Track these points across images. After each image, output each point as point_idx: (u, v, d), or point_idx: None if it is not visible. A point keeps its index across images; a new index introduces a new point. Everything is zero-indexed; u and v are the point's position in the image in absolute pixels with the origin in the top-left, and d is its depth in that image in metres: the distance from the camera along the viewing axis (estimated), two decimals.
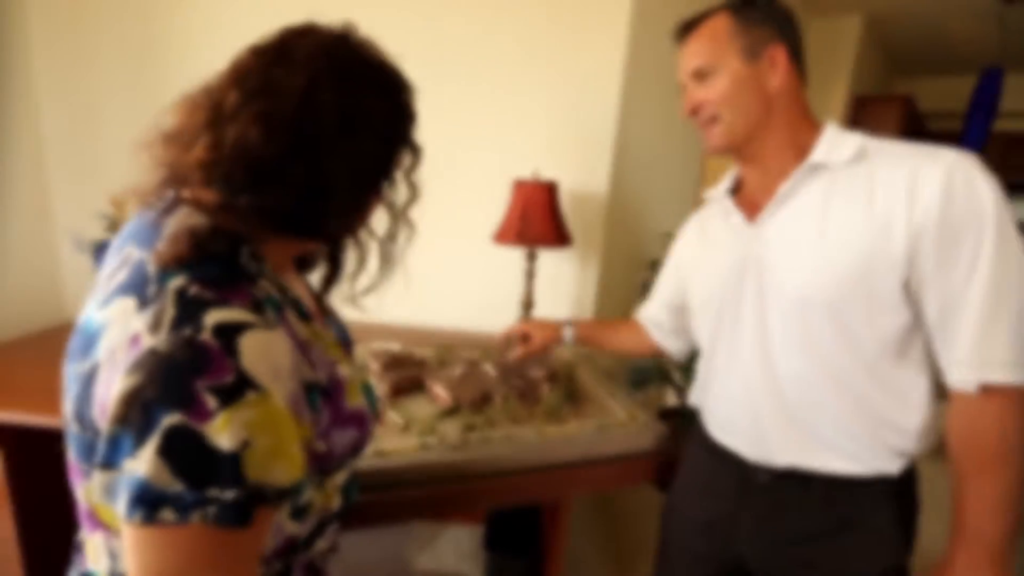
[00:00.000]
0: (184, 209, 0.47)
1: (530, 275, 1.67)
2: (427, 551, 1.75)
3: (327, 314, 0.67)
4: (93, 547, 0.50)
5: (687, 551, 0.88)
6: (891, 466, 0.71)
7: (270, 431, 0.41)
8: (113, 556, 0.48)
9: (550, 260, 1.83)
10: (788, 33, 0.75)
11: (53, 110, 1.66)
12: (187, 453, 0.39)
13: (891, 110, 3.21)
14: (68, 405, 0.48)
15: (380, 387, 1.14)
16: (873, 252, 0.66)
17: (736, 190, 0.86)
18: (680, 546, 0.90)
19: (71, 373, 0.48)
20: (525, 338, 1.17)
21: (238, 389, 0.40)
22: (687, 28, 0.81)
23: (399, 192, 0.59)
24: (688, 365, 2.08)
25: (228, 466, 0.39)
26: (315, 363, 0.49)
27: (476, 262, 1.87)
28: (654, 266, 2.13)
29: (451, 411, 1.08)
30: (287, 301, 0.50)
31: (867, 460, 0.71)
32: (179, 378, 0.39)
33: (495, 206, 1.76)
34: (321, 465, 0.51)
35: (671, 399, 2.67)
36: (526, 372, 1.23)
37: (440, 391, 1.11)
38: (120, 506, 0.39)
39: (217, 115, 0.46)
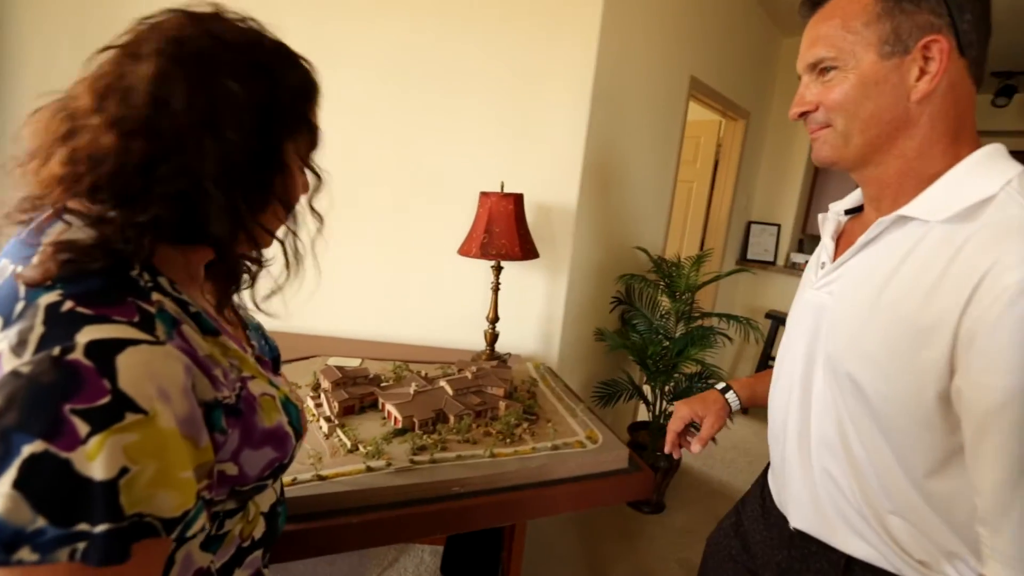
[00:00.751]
0: (60, 223, 0.43)
1: (496, 288, 1.64)
2: (387, 573, 1.69)
3: (246, 327, 0.63)
4: None
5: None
6: (915, 571, 0.59)
7: (154, 456, 0.38)
8: None
9: (517, 273, 1.81)
10: (964, 13, 0.54)
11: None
12: (50, 484, 0.35)
13: None
14: None
15: (330, 406, 1.09)
16: (914, 347, 0.53)
17: (853, 213, 0.71)
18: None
19: None
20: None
21: (115, 411, 0.36)
22: (813, 3, 0.61)
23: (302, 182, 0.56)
24: (658, 379, 2.06)
25: (101, 497, 0.36)
26: (218, 381, 0.46)
27: (442, 275, 1.84)
28: (624, 279, 2.12)
29: (402, 431, 1.04)
30: (186, 315, 0.46)
31: (886, 556, 0.61)
32: (43, 402, 0.36)
33: (463, 219, 1.73)
34: (235, 488, 0.48)
35: (643, 414, 2.65)
36: (483, 389, 1.20)
37: (392, 410, 1.07)
38: None
39: (70, 126, 0.42)
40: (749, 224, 3.47)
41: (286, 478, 0.85)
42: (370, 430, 1.04)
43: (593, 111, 1.74)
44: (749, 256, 3.44)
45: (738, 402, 0.91)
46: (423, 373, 1.29)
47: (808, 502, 0.67)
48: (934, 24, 0.53)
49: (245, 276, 0.57)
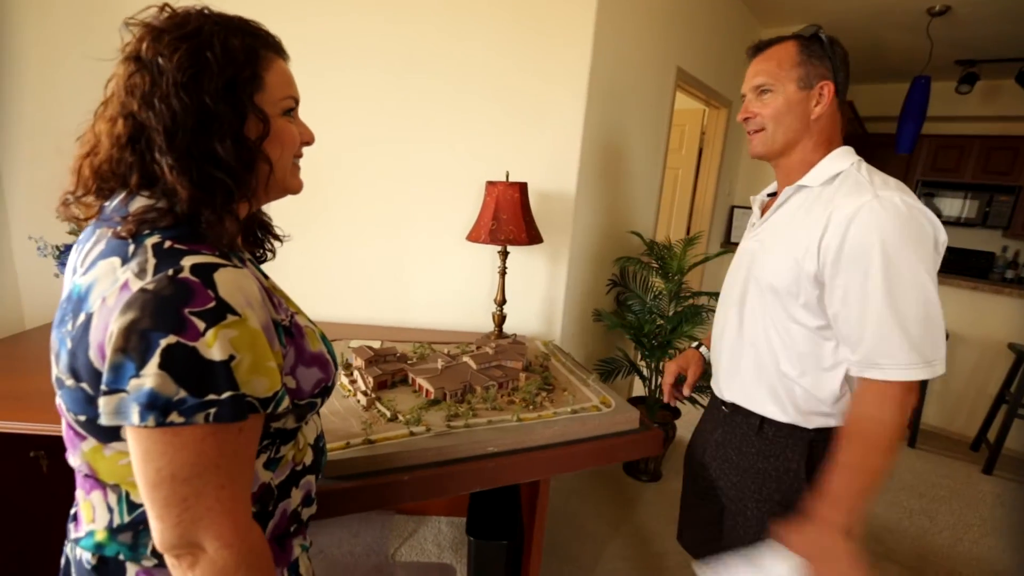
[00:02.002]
0: (139, 198, 0.55)
1: (503, 272, 1.73)
2: (409, 543, 1.79)
3: None
4: (89, 508, 0.57)
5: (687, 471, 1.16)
6: (805, 422, 0.91)
7: (249, 348, 0.50)
8: (111, 510, 0.55)
9: (522, 257, 1.91)
10: (840, 72, 0.89)
11: (6, 119, 1.62)
12: (186, 365, 0.47)
13: None
14: (58, 367, 0.54)
15: (365, 381, 1.18)
16: (799, 264, 0.86)
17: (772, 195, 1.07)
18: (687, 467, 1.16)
19: (58, 337, 0.54)
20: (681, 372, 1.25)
21: (220, 313, 0.48)
22: (759, 48, 0.94)
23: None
24: (654, 355, 2.19)
25: (222, 373, 0.48)
26: (279, 306, 0.58)
27: (450, 261, 1.92)
28: (620, 262, 2.24)
29: (435, 402, 1.14)
30: (245, 260, 0.60)
31: (789, 413, 0.92)
32: (169, 308, 0.47)
33: (470, 207, 1.81)
34: (294, 401, 0.59)
35: (639, 389, 2.79)
36: (503, 363, 1.30)
37: (424, 383, 1.16)
38: (132, 417, 0.47)
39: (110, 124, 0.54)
40: (732, 208, 3.61)
41: (339, 442, 0.95)
42: (405, 402, 1.14)
43: (589, 103, 1.84)
44: (733, 239, 3.58)
45: (708, 353, 1.22)
46: (446, 351, 1.38)
47: (738, 381, 0.99)
48: (826, 75, 0.89)
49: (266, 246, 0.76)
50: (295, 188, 0.68)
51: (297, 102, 0.65)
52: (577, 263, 2.01)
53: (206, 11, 0.57)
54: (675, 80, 2.46)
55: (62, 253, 1.65)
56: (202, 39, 0.54)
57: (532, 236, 1.68)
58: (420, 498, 0.94)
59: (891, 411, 0.80)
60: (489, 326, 1.84)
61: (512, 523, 1.44)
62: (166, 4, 0.57)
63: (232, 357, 0.48)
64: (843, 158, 0.89)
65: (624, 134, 2.17)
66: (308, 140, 0.68)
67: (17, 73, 1.62)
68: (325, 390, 0.64)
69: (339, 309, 1.97)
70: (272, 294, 0.58)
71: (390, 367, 1.22)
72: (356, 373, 1.22)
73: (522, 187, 1.67)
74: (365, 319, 1.97)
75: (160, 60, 0.53)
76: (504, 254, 1.72)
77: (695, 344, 1.26)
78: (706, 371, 1.19)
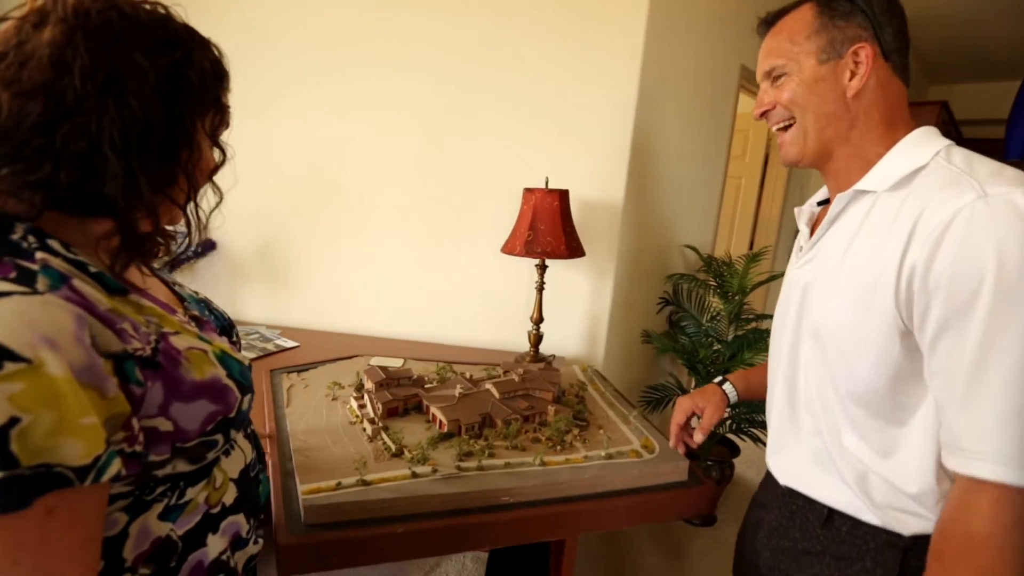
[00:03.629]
0: None
1: (540, 288, 1.58)
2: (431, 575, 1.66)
3: (182, 299, 0.64)
4: None
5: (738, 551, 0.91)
6: (897, 524, 0.65)
7: (48, 405, 0.38)
8: None
9: (562, 272, 1.75)
10: (884, 28, 0.66)
11: None
12: None
13: (924, 117, 3.06)
14: None
15: (374, 408, 1.06)
16: (867, 304, 0.62)
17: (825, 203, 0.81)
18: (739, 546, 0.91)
19: None
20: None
21: None
22: (767, 23, 0.74)
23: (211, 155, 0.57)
24: (707, 375, 1.95)
25: None
26: (126, 334, 0.45)
27: (484, 274, 1.80)
28: (673, 279, 2.03)
29: (448, 435, 1.00)
30: (83, 274, 0.46)
31: (868, 508, 0.67)
32: None
33: (506, 217, 1.68)
34: (176, 444, 0.48)
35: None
36: (531, 392, 1.14)
37: (438, 413, 1.03)
38: None
39: None
40: None
41: (329, 481, 0.82)
42: (415, 433, 1.00)
43: (640, 104, 1.67)
44: None
45: (735, 392, 0.99)
46: (468, 375, 1.25)
47: (795, 461, 0.75)
48: (861, 36, 0.66)
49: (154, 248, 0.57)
50: (171, 218, 0.55)
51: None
52: (624, 279, 1.83)
53: (176, 16, 0.51)
54: (738, 80, 2.24)
55: None
56: (185, 50, 0.49)
57: (572, 248, 1.52)
58: (416, 555, 0.80)
59: (986, 525, 0.54)
60: (525, 345, 1.69)
61: (539, 567, 1.27)
62: None
63: (14, 420, 0.36)
64: (921, 146, 0.64)
65: (679, 139, 1.97)
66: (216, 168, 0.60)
67: None
68: (226, 423, 0.51)
69: (367, 322, 1.89)
70: (117, 319, 0.45)
71: (403, 392, 1.09)
72: (366, 397, 1.10)
73: (562, 195, 1.51)
74: (393, 333, 1.87)
75: (137, 56, 0.46)
76: (542, 268, 1.57)
77: (717, 380, 1.00)
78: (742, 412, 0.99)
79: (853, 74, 0.66)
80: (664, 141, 1.87)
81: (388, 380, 1.10)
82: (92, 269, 0.47)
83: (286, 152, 1.83)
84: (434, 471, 0.88)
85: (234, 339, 0.70)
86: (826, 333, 0.68)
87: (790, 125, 0.71)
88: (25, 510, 0.37)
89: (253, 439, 0.66)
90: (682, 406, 0.99)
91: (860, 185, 0.66)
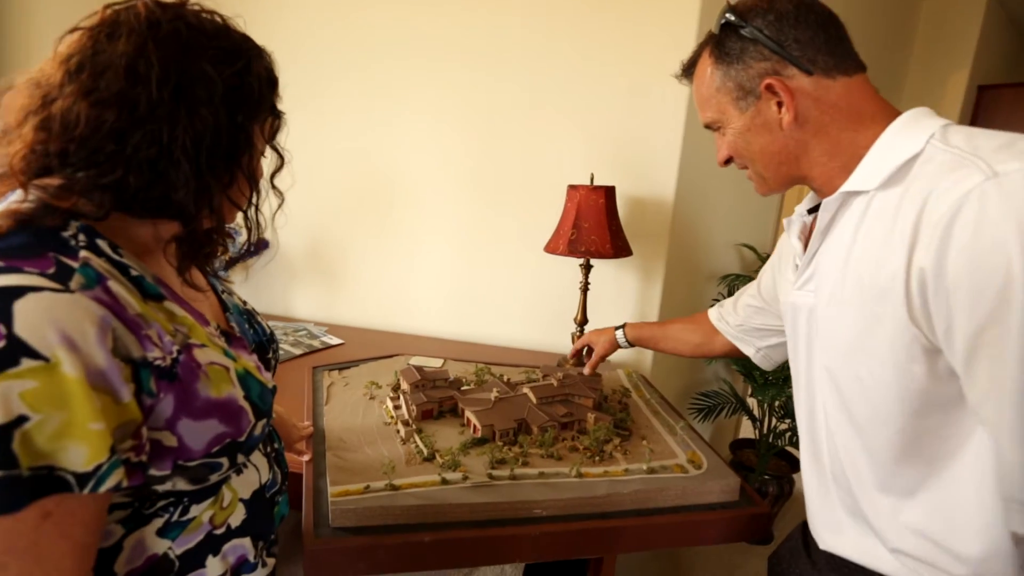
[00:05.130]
0: (18, 194, 0.45)
1: (585, 288, 1.52)
2: None
3: (226, 308, 0.64)
4: None
5: None
6: None
7: (58, 406, 0.37)
8: None
9: (608, 272, 1.68)
10: (787, 43, 0.58)
11: None
12: None
13: (1022, 100, 2.75)
14: None
15: (408, 409, 1.04)
16: (878, 318, 0.53)
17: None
18: None
19: None
20: (587, 351, 1.21)
21: (9, 356, 0.36)
22: (686, 72, 0.70)
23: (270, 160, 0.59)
24: (767, 392, 1.83)
25: None
26: (149, 341, 0.44)
27: (528, 273, 1.75)
28: (727, 280, 1.91)
29: (482, 440, 0.97)
30: (123, 276, 0.46)
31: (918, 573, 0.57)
32: None
33: (551, 214, 1.63)
34: (178, 462, 0.46)
35: (747, 429, 2.39)
36: (571, 398, 1.09)
37: (472, 417, 1.00)
38: None
39: (43, 98, 0.44)
40: None
41: (358, 484, 0.81)
42: (448, 437, 0.98)
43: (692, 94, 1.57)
44: None
45: (624, 339, 1.16)
46: (505, 378, 1.21)
47: (829, 520, 0.65)
48: (765, 68, 0.59)
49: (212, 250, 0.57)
50: (230, 218, 0.57)
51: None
52: (674, 280, 1.74)
53: (234, 25, 0.52)
54: None
55: None
56: (246, 58, 0.51)
57: (618, 248, 1.45)
58: (444, 565, 0.77)
59: None
60: (568, 347, 1.63)
61: None
62: (176, 3, 0.49)
63: (22, 419, 0.36)
64: (909, 132, 0.55)
65: None
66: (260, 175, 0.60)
67: None
68: (234, 446, 0.49)
69: (410, 320, 1.89)
70: (144, 325, 0.44)
71: (438, 394, 1.07)
72: (402, 398, 1.09)
73: (608, 191, 1.45)
74: (435, 332, 1.86)
75: (205, 65, 0.47)
76: (586, 268, 1.51)
77: (618, 326, 1.16)
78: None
79: (781, 106, 0.59)
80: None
81: (424, 381, 1.09)
82: (134, 272, 0.47)
83: (334, 152, 1.86)
84: (464, 478, 0.85)
85: (270, 356, 0.69)
86: (839, 364, 0.58)
87: (746, 168, 0.68)
88: (20, 512, 0.36)
89: (277, 460, 0.64)
90: (583, 338, 1.24)
91: (848, 186, 0.58)
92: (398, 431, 1.00)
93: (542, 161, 1.69)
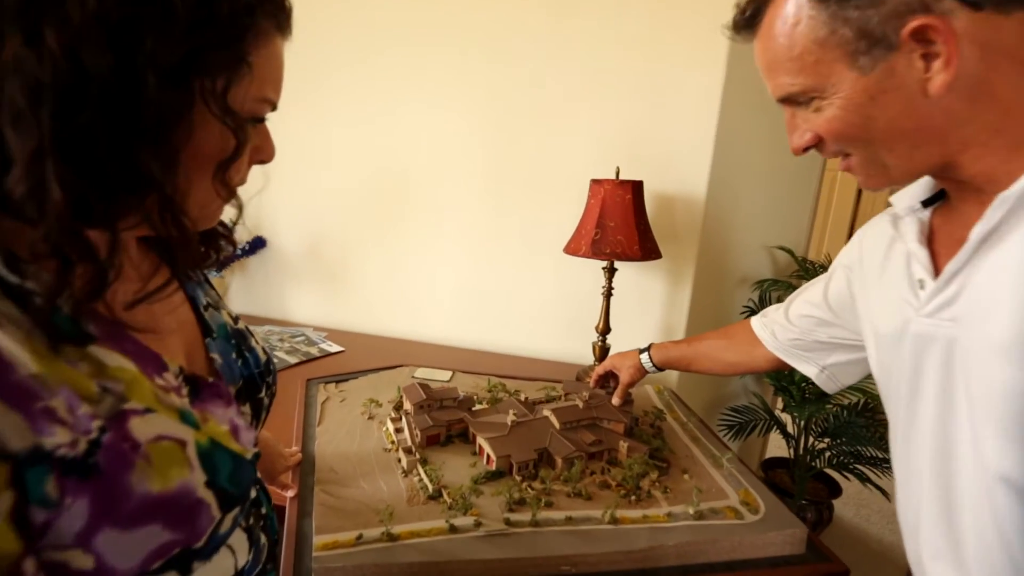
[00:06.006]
0: None
1: (608, 294, 1.38)
2: None
3: (209, 333, 0.48)
4: None
5: None
6: None
7: None
8: None
9: (633, 276, 1.53)
10: None
11: None
12: None
13: None
14: None
15: (412, 434, 0.91)
16: None
17: (935, 201, 0.53)
18: None
19: None
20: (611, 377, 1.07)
21: None
22: (746, 20, 0.50)
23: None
24: (804, 409, 1.67)
25: None
26: (50, 417, 0.29)
27: (545, 278, 1.61)
28: (764, 286, 1.76)
29: (497, 474, 0.83)
30: (12, 310, 0.30)
31: None
32: None
33: (571, 213, 1.49)
34: None
35: (775, 446, 2.23)
36: (599, 422, 0.95)
37: (485, 446, 0.86)
38: None
39: None
40: None
41: (349, 534, 0.67)
42: (457, 469, 0.84)
43: (728, 82, 1.42)
44: None
45: (651, 364, 1.01)
46: (523, 396, 1.07)
47: (957, 570, 0.49)
48: (910, 1, 0.40)
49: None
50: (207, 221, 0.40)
51: (274, 107, 0.40)
52: (704, 286, 1.59)
53: None
54: None
55: None
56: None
57: (647, 250, 1.31)
58: None
59: None
60: (588, 357, 1.49)
61: None
62: None
63: None
64: None
65: (772, 124, 1.69)
66: (266, 158, 0.43)
67: None
68: (186, 556, 0.34)
69: (416, 327, 1.76)
70: (42, 391, 0.29)
71: (446, 416, 0.93)
72: (404, 420, 0.95)
73: (635, 187, 1.31)
74: (443, 339, 1.72)
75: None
76: (610, 271, 1.37)
77: (642, 348, 1.02)
78: None
79: (929, 58, 0.41)
80: (757, 126, 1.61)
81: (430, 401, 0.95)
82: (38, 300, 0.31)
83: (337, 146, 1.73)
84: (477, 524, 0.71)
85: (262, 395, 0.52)
86: (1007, 403, 0.43)
87: (850, 156, 0.49)
88: None
89: (266, 527, 0.49)
90: (604, 363, 1.08)
91: (1020, 185, 0.41)
92: (399, 460, 0.86)
93: (561, 155, 1.54)
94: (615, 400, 1.03)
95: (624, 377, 1.03)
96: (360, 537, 0.66)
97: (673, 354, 1.00)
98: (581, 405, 0.97)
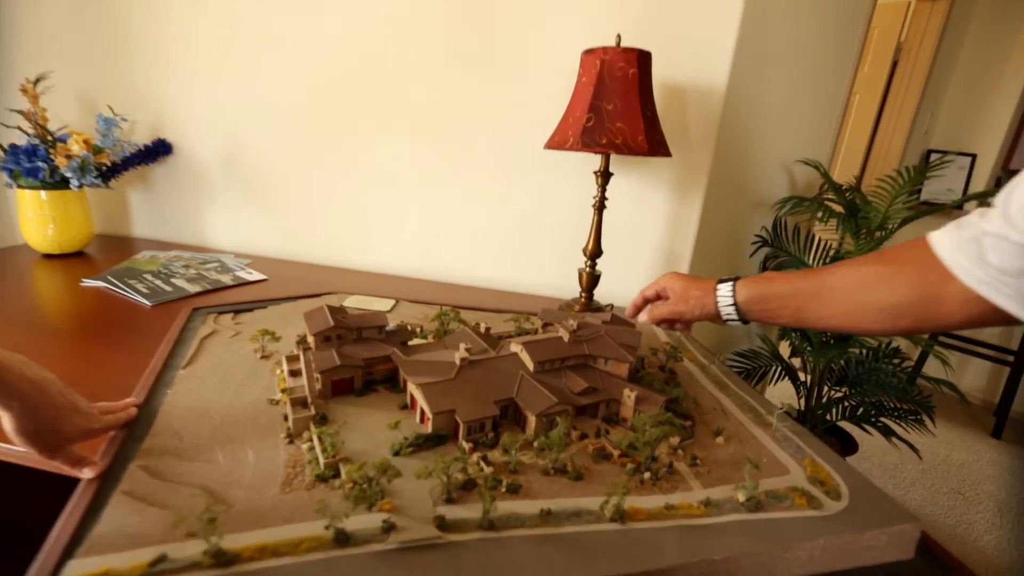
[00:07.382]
0: None
1: (600, 206, 1.07)
2: None
3: None
4: None
5: None
6: None
7: None
8: None
9: (629, 186, 1.22)
10: None
11: None
12: None
13: None
14: None
15: (311, 379, 0.60)
16: None
17: None
18: None
19: None
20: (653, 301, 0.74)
21: None
22: None
23: None
24: (819, 356, 1.41)
25: None
26: None
27: (519, 186, 1.28)
28: (790, 205, 1.47)
29: (436, 438, 0.53)
30: None
31: None
32: None
33: (553, 102, 1.15)
34: None
35: (779, 392, 2.00)
36: (591, 362, 0.65)
37: (418, 395, 0.55)
38: None
39: None
40: (928, 153, 2.58)
41: (144, 550, 0.37)
42: (372, 432, 0.54)
43: None
44: (924, 196, 2.57)
45: (731, 303, 0.65)
46: (482, 327, 0.76)
47: None
48: None
49: None
50: None
51: None
52: (717, 202, 1.28)
53: None
54: None
55: (7, 155, 1.24)
56: None
57: (654, 142, 0.98)
58: None
59: None
60: (573, 289, 1.20)
61: None
62: None
63: None
64: None
65: (801, 21, 1.36)
66: None
67: None
68: None
69: (361, 254, 1.43)
70: None
71: (364, 351, 0.62)
72: (303, 359, 0.64)
73: (641, 57, 0.97)
74: (393, 269, 1.41)
75: None
76: (604, 176, 1.05)
77: (726, 278, 0.68)
78: None
79: None
80: (783, 17, 1.27)
81: (340, 330, 0.63)
82: None
83: (264, 34, 1.34)
84: (387, 529, 0.41)
85: None
86: None
87: None
88: None
89: None
90: (657, 282, 0.76)
91: None
92: (286, 417, 0.55)
93: (542, 28, 1.19)
94: (641, 317, 0.74)
95: (678, 307, 0.70)
96: (163, 557, 0.36)
97: (777, 287, 0.62)
98: (567, 338, 0.66)
